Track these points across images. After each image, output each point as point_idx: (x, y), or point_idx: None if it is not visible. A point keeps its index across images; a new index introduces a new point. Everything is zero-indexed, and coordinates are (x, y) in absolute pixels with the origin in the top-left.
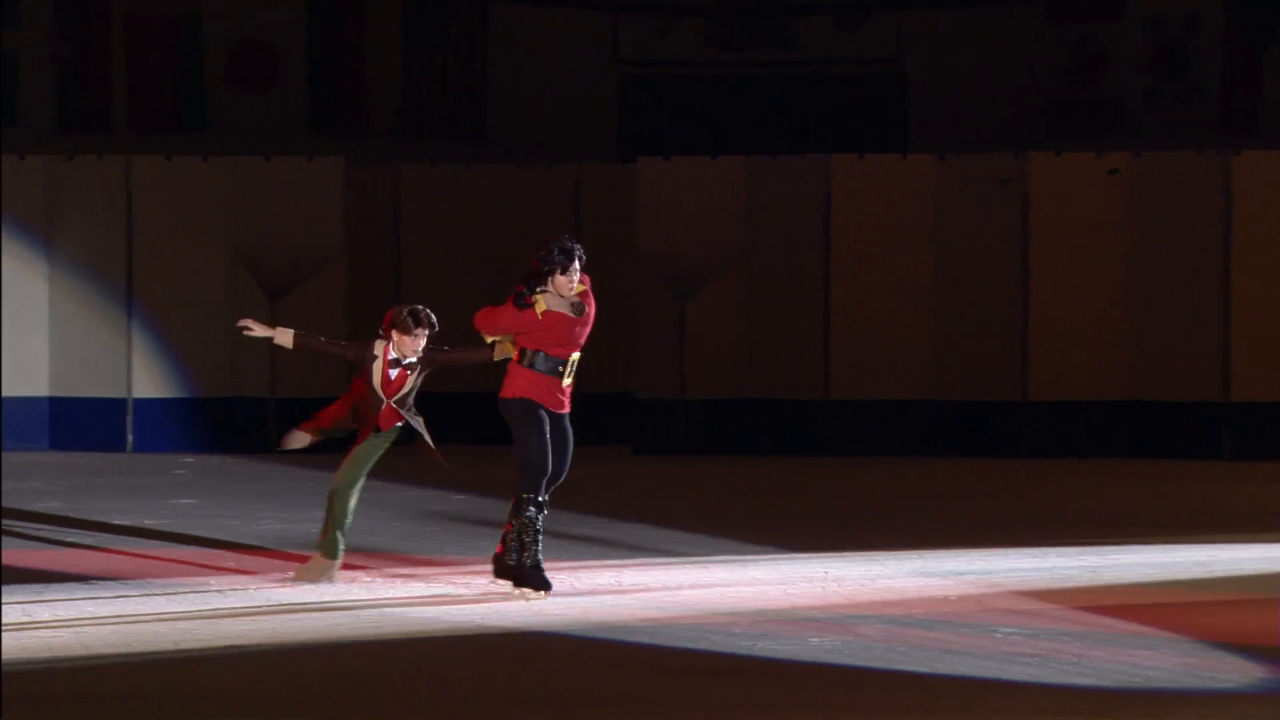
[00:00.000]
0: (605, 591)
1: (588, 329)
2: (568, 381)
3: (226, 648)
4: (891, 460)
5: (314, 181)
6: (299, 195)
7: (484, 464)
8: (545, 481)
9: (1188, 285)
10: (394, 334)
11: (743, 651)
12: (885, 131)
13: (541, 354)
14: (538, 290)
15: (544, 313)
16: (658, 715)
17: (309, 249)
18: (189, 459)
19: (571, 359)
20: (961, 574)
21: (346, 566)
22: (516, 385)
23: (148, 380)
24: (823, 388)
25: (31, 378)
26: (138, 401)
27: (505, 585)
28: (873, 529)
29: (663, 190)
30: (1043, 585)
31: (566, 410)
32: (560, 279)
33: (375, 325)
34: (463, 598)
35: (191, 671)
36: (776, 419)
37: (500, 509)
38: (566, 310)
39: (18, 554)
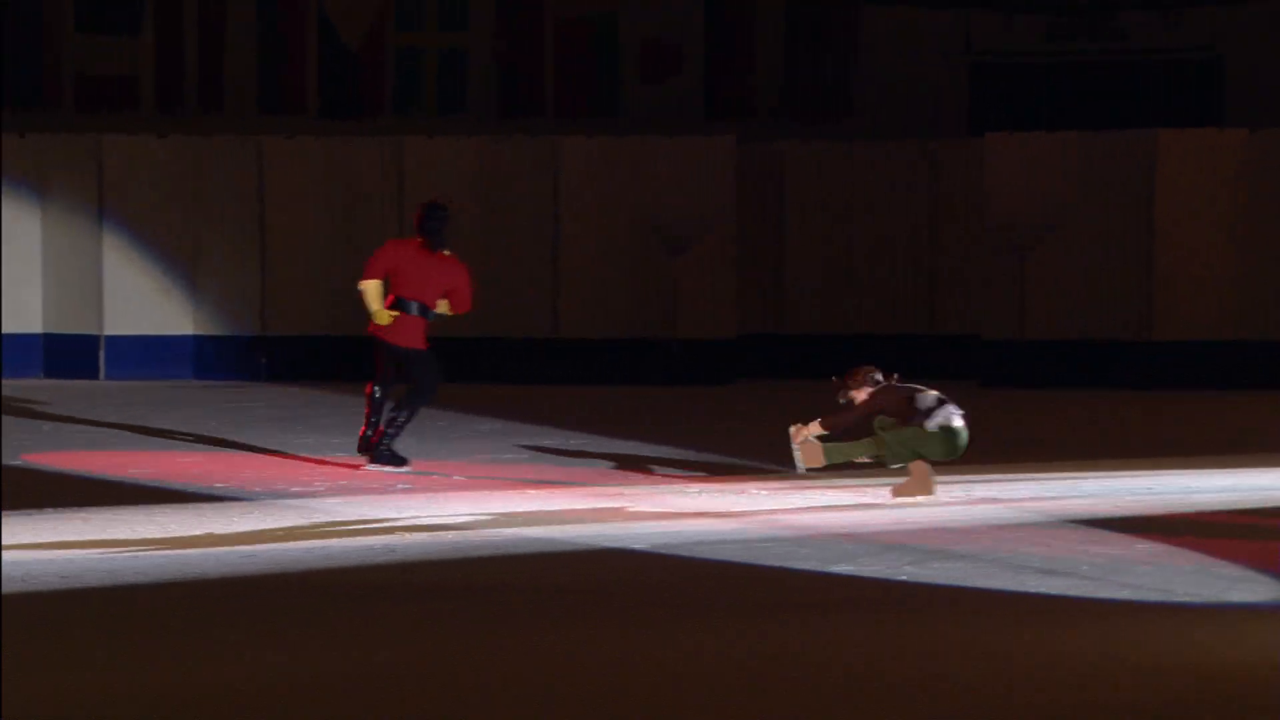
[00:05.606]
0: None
1: None
2: None
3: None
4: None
5: (708, 156)
6: (696, 168)
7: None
8: None
9: None
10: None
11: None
12: (1202, 112)
13: None
14: None
15: None
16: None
17: (703, 215)
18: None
19: None
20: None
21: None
22: None
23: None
24: (1147, 329)
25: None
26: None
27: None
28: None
29: (1008, 161)
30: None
31: None
32: None
33: (762, 280)
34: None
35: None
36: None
37: None
38: None
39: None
